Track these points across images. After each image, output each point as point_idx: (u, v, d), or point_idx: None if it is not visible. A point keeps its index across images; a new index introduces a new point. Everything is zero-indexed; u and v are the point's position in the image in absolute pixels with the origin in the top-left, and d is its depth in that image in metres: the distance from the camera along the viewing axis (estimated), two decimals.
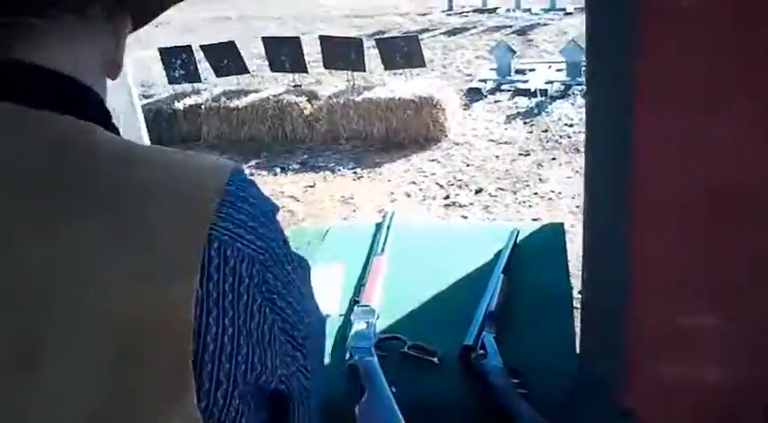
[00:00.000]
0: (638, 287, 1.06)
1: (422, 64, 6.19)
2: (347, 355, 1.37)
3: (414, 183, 4.86)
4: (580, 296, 1.25)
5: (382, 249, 1.77)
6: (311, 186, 5.04)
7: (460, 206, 4.42)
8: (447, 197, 4.57)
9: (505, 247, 1.71)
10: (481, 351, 1.36)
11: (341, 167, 5.28)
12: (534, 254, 1.73)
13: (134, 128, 1.24)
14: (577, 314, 1.53)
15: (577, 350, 1.40)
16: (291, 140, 5.77)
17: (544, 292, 1.57)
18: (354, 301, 1.57)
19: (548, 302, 1.54)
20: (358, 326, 1.47)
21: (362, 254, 1.81)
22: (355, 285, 1.67)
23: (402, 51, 6.25)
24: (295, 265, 0.65)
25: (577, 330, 1.47)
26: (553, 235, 1.83)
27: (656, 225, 1.05)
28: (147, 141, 1.29)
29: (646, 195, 1.03)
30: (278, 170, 5.46)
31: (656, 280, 1.07)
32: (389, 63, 6.33)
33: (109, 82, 0.67)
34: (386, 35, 8.31)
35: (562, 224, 1.92)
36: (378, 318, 1.50)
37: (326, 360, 1.44)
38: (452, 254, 1.78)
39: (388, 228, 1.88)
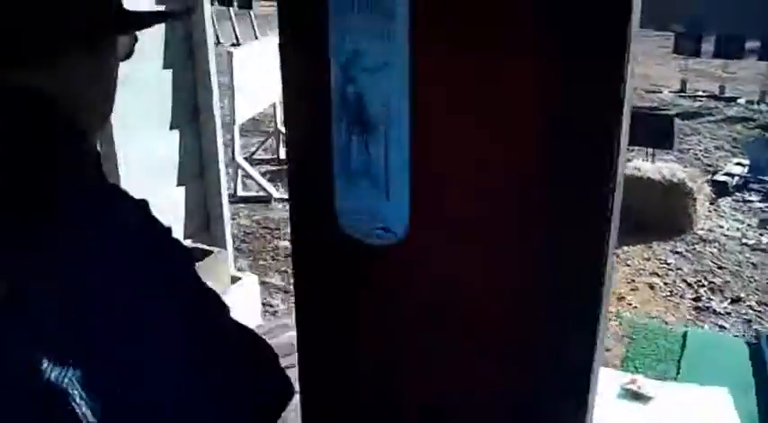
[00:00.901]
0: None
1: (671, 146, 5.74)
2: None
3: (656, 274, 4.41)
4: None
5: None
6: None
7: (714, 313, 3.93)
8: (697, 299, 4.09)
9: None
10: None
11: None
12: None
13: None
14: None
15: None
16: None
17: None
18: None
19: None
20: None
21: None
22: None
23: (651, 128, 5.83)
24: None
25: None
26: None
27: None
28: None
29: None
30: None
31: None
32: (633, 138, 5.92)
33: None
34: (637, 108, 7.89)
35: None
36: None
37: None
38: None
39: None
